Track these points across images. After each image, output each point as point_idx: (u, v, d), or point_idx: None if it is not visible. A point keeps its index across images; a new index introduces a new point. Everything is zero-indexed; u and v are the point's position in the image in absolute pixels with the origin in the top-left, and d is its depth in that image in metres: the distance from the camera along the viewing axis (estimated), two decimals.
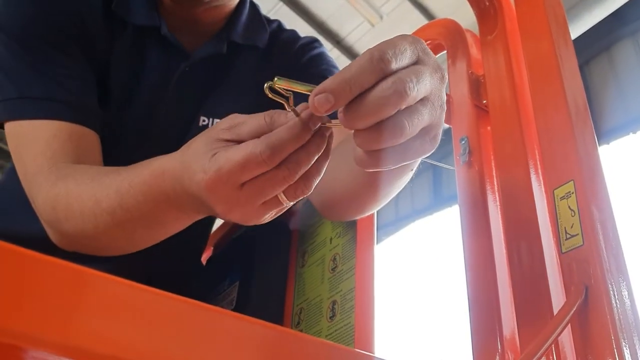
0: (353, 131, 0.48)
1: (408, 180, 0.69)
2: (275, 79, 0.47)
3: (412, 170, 0.65)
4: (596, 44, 4.86)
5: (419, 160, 0.60)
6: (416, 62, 0.48)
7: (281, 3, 4.56)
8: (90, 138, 0.83)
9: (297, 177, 0.51)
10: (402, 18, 4.90)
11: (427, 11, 4.86)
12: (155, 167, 0.63)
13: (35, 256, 0.32)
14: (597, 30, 4.88)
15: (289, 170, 0.50)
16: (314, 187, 0.53)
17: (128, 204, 0.67)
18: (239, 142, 0.52)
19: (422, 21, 4.87)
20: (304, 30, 4.78)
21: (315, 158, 0.51)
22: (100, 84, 0.90)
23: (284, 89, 0.48)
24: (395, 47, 0.46)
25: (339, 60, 5.09)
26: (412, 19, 4.88)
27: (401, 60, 0.46)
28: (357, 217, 0.90)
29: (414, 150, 0.50)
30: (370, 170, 0.50)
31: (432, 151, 0.54)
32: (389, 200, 0.79)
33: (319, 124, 0.50)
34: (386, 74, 0.45)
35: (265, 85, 0.47)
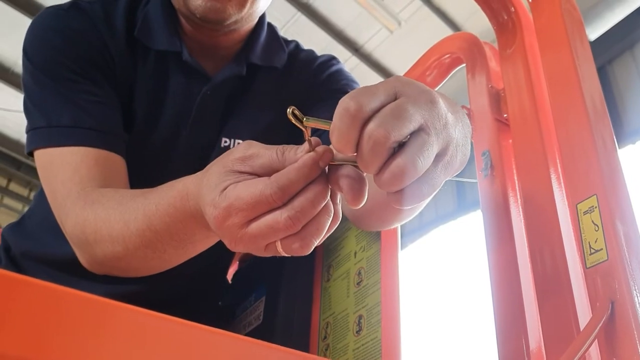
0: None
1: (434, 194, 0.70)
2: (304, 118, 0.48)
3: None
4: (619, 43, 4.80)
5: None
6: (396, 97, 0.48)
7: (299, 13, 4.59)
8: (116, 162, 0.85)
9: (300, 226, 0.51)
10: (421, 23, 4.89)
11: (445, 16, 4.85)
12: (180, 188, 0.65)
13: (59, 290, 0.34)
14: (619, 28, 4.82)
15: (292, 221, 0.50)
16: (311, 247, 0.53)
17: (156, 226, 0.68)
18: (251, 174, 0.53)
19: (441, 26, 4.85)
20: (323, 39, 4.82)
21: (321, 206, 0.51)
22: (124, 108, 0.92)
23: (299, 119, 0.49)
24: (368, 89, 0.48)
25: (358, 68, 5.10)
26: (430, 24, 4.87)
27: (374, 102, 0.47)
28: (384, 229, 0.92)
29: (434, 178, 0.50)
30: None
31: (460, 168, 0.55)
32: (415, 214, 0.80)
33: (329, 162, 0.51)
34: (365, 117, 0.46)
35: (288, 110, 0.49)
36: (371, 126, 0.46)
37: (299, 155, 0.51)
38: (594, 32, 4.93)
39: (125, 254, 0.74)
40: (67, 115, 0.85)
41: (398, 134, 0.46)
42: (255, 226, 0.52)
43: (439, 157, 0.50)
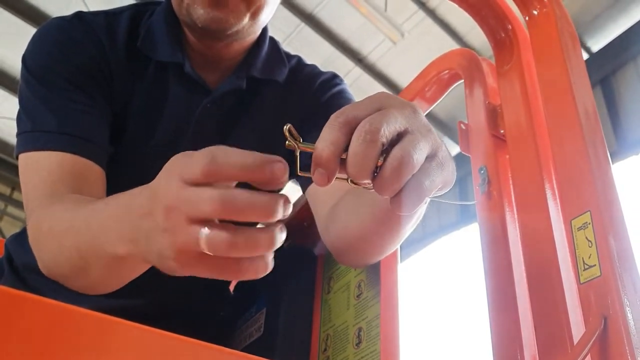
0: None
1: (420, 217, 0.69)
2: (301, 140, 0.50)
3: (425, 203, 0.66)
4: (622, 54, 4.82)
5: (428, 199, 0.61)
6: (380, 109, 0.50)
7: (303, 24, 4.63)
8: (94, 172, 0.85)
9: (223, 212, 0.45)
10: (424, 35, 4.92)
11: (448, 27, 4.87)
12: (136, 191, 0.61)
13: (61, 307, 0.35)
14: (623, 39, 4.84)
15: (219, 203, 0.45)
16: (234, 247, 0.45)
17: (90, 225, 0.66)
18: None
19: (444, 37, 4.88)
20: (326, 49, 4.85)
21: (257, 214, 0.45)
22: (120, 120, 0.92)
23: (294, 138, 0.50)
24: (355, 104, 0.50)
25: (361, 78, 5.13)
26: (433, 35, 4.90)
27: (363, 111, 0.49)
28: (370, 263, 0.88)
29: (432, 174, 0.50)
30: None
31: (453, 179, 0.55)
32: (400, 242, 0.77)
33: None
34: (352, 124, 0.48)
35: (285, 127, 0.50)
36: (361, 124, 0.47)
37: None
38: (597, 43, 4.96)
39: (58, 258, 0.72)
40: (52, 121, 0.85)
41: (387, 129, 0.47)
42: (192, 189, 0.48)
43: (430, 157, 0.51)
